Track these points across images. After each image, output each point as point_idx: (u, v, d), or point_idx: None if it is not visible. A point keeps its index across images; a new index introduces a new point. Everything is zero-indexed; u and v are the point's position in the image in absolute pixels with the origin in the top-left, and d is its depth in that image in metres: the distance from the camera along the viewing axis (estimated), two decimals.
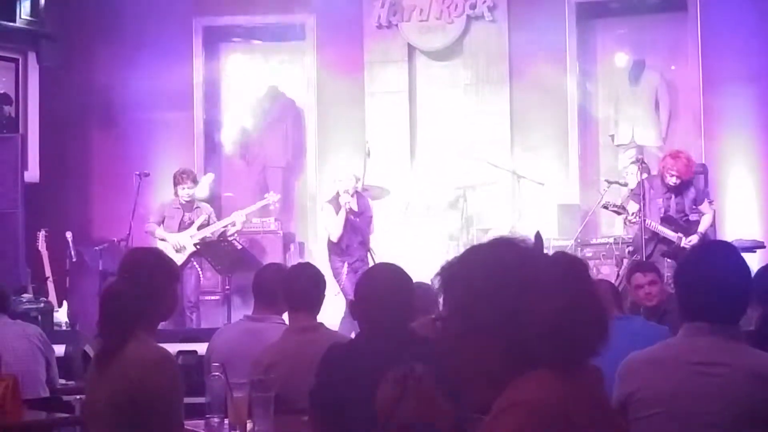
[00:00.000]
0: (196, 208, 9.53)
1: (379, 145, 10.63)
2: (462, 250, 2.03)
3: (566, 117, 11.06)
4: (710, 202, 8.71)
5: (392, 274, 3.75)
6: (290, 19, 11.89)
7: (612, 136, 11.22)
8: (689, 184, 8.55)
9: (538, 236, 1.92)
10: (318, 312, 4.65)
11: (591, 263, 8.74)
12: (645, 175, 8.53)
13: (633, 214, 8.36)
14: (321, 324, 4.64)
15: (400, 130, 11.28)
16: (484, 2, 11.12)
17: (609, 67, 11.46)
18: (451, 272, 1.92)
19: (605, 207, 8.58)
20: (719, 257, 3.12)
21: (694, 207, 8.55)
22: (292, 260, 10.17)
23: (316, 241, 11.21)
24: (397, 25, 11.36)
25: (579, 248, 9.47)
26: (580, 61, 11.24)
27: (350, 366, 3.44)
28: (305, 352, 4.11)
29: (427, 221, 10.33)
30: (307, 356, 3.96)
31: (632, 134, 11.07)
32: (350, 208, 8.99)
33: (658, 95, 11.15)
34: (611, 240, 9.61)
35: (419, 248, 9.38)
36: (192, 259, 9.36)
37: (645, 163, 8.85)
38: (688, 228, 8.45)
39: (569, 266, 1.86)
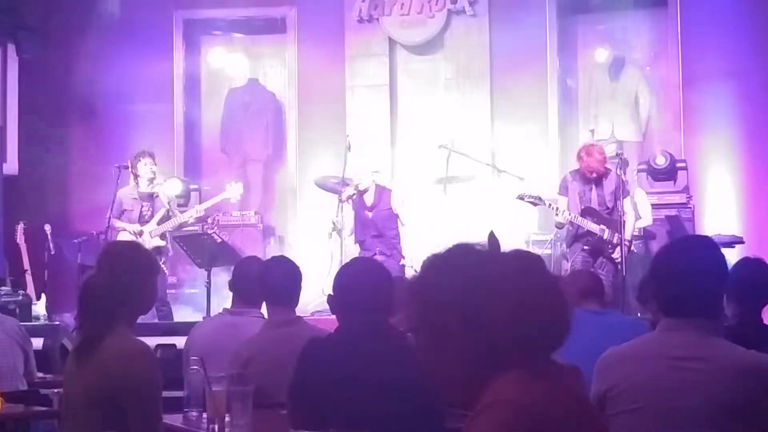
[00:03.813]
0: (156, 197, 9.21)
1: (360, 139, 10.61)
2: (441, 243, 2.03)
3: (546, 112, 11.07)
4: (635, 202, 8.55)
5: (370, 269, 3.75)
6: (271, 13, 11.89)
7: (592, 131, 11.21)
8: (608, 176, 8.55)
9: (492, 236, 1.93)
10: (296, 305, 4.65)
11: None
12: (620, 172, 8.53)
13: (549, 205, 8.41)
14: (299, 318, 4.65)
15: (380, 124, 11.27)
16: None
17: (589, 63, 11.47)
18: (414, 283, 1.94)
19: (520, 198, 8.59)
20: (696, 251, 3.10)
21: (613, 199, 8.50)
22: (272, 253, 10.15)
23: (296, 235, 11.21)
24: (378, 19, 11.35)
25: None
26: (561, 56, 11.25)
27: (329, 360, 3.44)
28: (284, 346, 4.11)
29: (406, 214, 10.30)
30: (285, 350, 3.95)
31: (612, 130, 11.10)
32: (355, 198, 8.84)
33: (638, 91, 11.18)
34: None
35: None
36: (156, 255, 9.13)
37: (624, 159, 8.84)
38: (611, 221, 8.44)
39: (522, 263, 1.89)
